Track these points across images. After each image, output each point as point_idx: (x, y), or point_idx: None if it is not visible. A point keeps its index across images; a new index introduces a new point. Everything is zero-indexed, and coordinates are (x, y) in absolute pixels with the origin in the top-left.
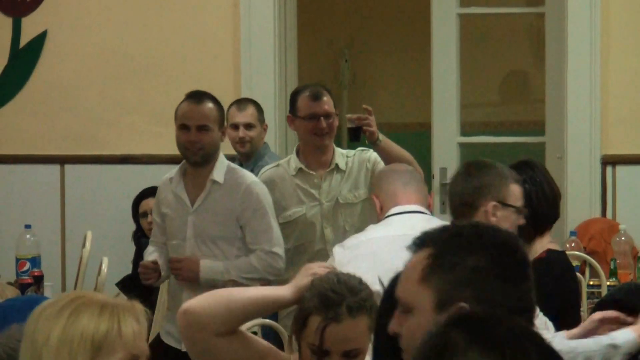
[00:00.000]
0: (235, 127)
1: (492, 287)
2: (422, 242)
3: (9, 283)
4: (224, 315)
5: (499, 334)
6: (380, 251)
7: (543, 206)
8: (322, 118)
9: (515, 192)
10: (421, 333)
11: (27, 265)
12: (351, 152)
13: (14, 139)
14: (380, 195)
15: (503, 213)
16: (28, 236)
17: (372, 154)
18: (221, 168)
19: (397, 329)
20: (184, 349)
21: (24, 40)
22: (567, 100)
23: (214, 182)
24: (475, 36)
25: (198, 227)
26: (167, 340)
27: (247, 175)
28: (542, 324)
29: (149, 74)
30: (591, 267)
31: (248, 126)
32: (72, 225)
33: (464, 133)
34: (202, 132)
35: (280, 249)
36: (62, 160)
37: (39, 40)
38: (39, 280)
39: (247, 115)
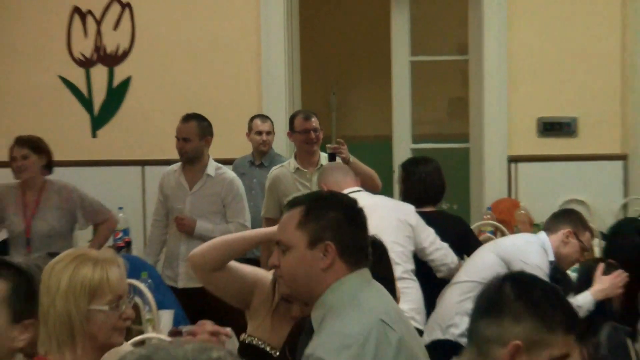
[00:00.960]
0: (259, 133)
1: (345, 231)
2: (296, 202)
3: (109, 246)
4: (218, 253)
5: (538, 293)
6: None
7: (431, 189)
8: (311, 132)
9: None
10: (295, 265)
11: (121, 235)
12: None
13: (111, 148)
14: (328, 184)
15: (574, 241)
16: (121, 215)
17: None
18: (212, 166)
19: (276, 262)
20: (179, 286)
21: (115, 82)
22: (484, 117)
23: (208, 175)
24: (425, 74)
25: (194, 205)
26: (167, 281)
27: (229, 172)
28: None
29: (199, 102)
30: (501, 232)
31: (268, 133)
32: (149, 208)
33: (414, 141)
34: (185, 142)
35: (248, 223)
36: (143, 163)
37: (126, 83)
38: (128, 244)
39: (267, 125)
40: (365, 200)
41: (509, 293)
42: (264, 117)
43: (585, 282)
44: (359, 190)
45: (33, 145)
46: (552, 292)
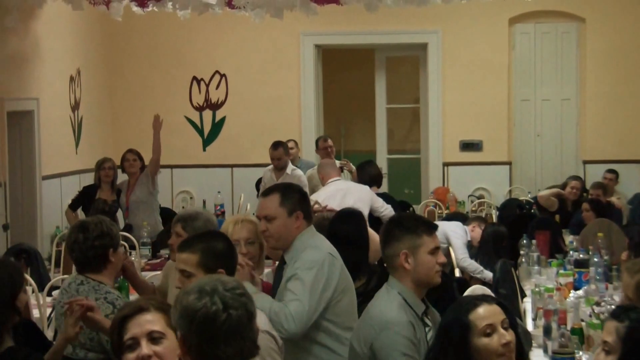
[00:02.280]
0: (272, 159)
1: (305, 203)
2: (272, 190)
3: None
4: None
5: (407, 218)
6: (333, 195)
7: (375, 177)
8: (328, 148)
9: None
10: (280, 228)
11: (219, 207)
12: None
13: (213, 157)
14: (323, 175)
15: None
16: (219, 195)
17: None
18: (289, 168)
19: (264, 228)
20: None
21: (217, 119)
22: (429, 139)
23: (287, 174)
24: (394, 114)
25: None
26: None
27: (298, 171)
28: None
29: (264, 130)
30: (438, 206)
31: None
32: (236, 193)
33: (389, 153)
34: (278, 160)
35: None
36: (232, 166)
37: (222, 120)
38: (223, 214)
39: (278, 152)
40: (344, 184)
41: (390, 227)
42: (276, 145)
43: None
44: (338, 179)
45: (138, 154)
46: (414, 216)
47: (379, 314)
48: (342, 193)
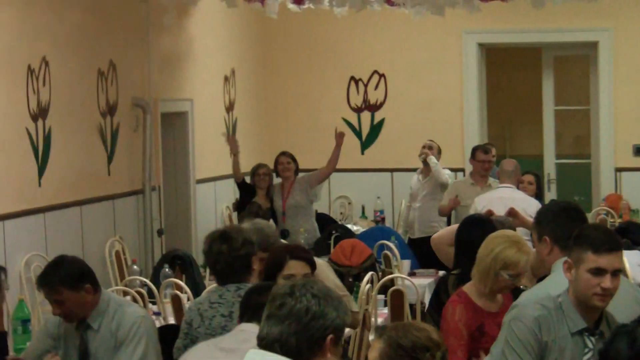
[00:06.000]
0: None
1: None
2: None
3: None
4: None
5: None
6: (499, 198)
7: None
8: (486, 163)
9: None
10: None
11: (379, 213)
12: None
13: (373, 161)
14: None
15: None
16: (379, 201)
17: None
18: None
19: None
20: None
21: (375, 121)
22: (600, 144)
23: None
24: (562, 117)
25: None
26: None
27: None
28: None
29: (425, 134)
30: (611, 215)
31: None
32: (396, 198)
33: (557, 158)
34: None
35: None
36: (392, 170)
37: (381, 122)
38: (383, 220)
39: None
40: (510, 193)
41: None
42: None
43: None
44: (509, 186)
45: (292, 157)
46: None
47: (525, 294)
48: (503, 202)
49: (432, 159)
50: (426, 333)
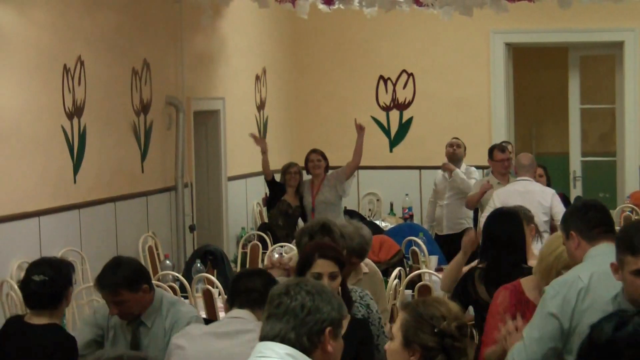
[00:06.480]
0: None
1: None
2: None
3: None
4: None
5: None
6: (517, 191)
7: None
8: (505, 161)
9: None
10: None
11: (407, 210)
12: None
13: (401, 158)
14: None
15: None
16: (407, 198)
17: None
18: (462, 167)
19: None
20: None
21: (404, 119)
22: (625, 142)
23: (461, 171)
24: (588, 116)
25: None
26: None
27: (471, 168)
28: None
29: (450, 132)
30: (636, 212)
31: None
32: (425, 195)
33: (582, 156)
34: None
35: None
36: (420, 168)
37: (410, 120)
38: (411, 217)
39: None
40: (525, 186)
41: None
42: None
43: None
44: (526, 179)
45: (323, 155)
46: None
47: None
48: (520, 195)
49: (458, 174)
50: (446, 306)
